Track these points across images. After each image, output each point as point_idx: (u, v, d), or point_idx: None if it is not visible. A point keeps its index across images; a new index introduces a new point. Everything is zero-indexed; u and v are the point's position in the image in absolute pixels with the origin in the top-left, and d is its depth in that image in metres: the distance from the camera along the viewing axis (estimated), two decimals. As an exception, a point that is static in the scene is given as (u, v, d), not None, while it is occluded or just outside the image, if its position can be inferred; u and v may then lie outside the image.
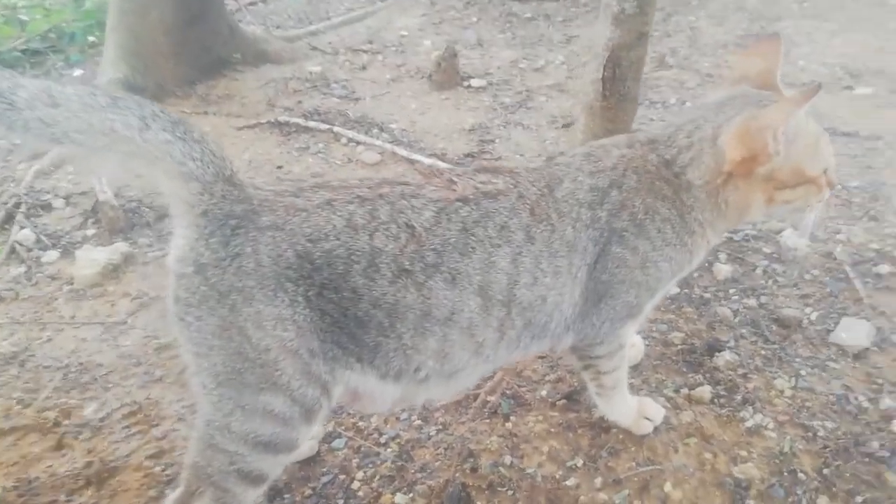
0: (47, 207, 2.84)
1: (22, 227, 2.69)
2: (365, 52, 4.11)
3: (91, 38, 4.71)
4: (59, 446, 1.81)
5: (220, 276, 1.18)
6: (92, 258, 2.43)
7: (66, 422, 1.87)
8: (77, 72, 4.29)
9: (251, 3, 5.33)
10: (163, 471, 1.70)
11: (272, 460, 1.32)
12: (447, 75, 3.50)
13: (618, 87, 1.78)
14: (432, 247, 1.26)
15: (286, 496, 1.61)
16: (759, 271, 2.16)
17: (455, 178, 1.35)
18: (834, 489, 1.51)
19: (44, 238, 2.64)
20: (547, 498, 1.56)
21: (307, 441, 1.66)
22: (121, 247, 2.51)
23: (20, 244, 2.61)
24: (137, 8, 3.53)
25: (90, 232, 2.67)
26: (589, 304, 1.42)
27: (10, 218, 2.78)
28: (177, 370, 2.01)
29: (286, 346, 1.21)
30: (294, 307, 1.20)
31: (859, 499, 1.49)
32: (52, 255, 2.56)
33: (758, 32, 3.84)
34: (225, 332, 1.20)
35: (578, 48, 3.87)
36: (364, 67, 3.92)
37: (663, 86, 3.34)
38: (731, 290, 2.10)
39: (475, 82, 3.55)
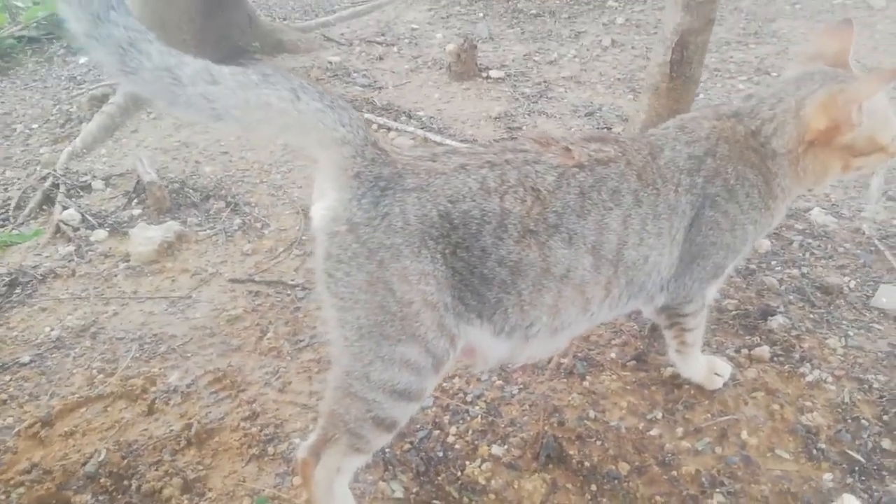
0: (87, 188, 2.85)
1: (65, 208, 2.71)
2: (379, 43, 4.18)
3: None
4: (150, 411, 1.85)
5: (370, 233, 1.26)
6: (147, 236, 2.47)
7: (153, 388, 1.92)
8: (82, 59, 4.27)
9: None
10: (260, 431, 1.77)
11: (405, 407, 1.40)
12: (466, 66, 3.61)
13: (684, 70, 1.91)
14: (554, 209, 1.37)
15: (387, 451, 1.69)
16: (795, 245, 2.32)
17: (570, 146, 1.45)
18: (895, 433, 1.67)
19: (89, 217, 2.65)
20: (634, 446, 1.68)
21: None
22: (173, 225, 2.55)
23: (65, 223, 2.63)
24: (163, -7, 3.55)
25: (136, 212, 2.70)
26: (683, 264, 1.55)
27: (48, 199, 2.80)
28: (253, 340, 2.08)
29: (427, 300, 1.30)
30: (434, 263, 1.29)
31: (917, 440, 1.65)
32: (101, 233, 2.59)
33: (755, 31, 4.04)
34: (372, 287, 1.28)
35: (588, 43, 4.01)
36: (381, 58, 4.00)
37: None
38: (773, 262, 2.25)
39: (494, 73, 3.67)
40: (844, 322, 2.00)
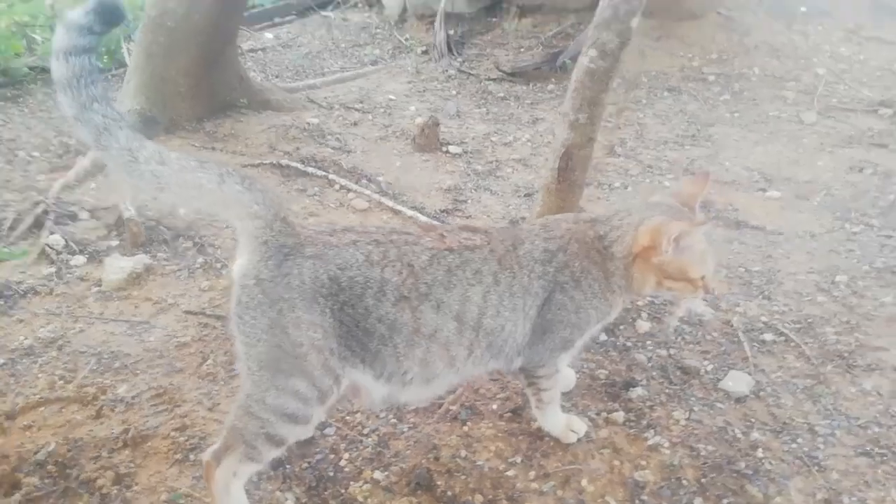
0: (73, 217, 3.24)
1: (52, 233, 3.08)
2: (357, 110, 4.64)
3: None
4: (97, 416, 2.19)
5: (273, 288, 1.63)
6: (119, 265, 2.84)
7: (103, 396, 2.26)
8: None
9: (251, 51, 5.84)
10: (186, 441, 2.10)
11: (292, 429, 1.76)
12: (429, 140, 4.04)
13: (569, 176, 2.32)
14: (424, 281, 1.75)
15: (287, 466, 2.04)
16: (670, 329, 2.71)
17: (445, 234, 1.85)
18: (707, 493, 2.02)
19: (72, 244, 3.03)
20: (491, 483, 2.02)
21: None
22: (143, 259, 2.92)
23: (50, 247, 3.00)
24: (164, 52, 4.00)
25: (114, 243, 3.08)
26: (535, 335, 1.92)
27: (38, 224, 3.17)
28: (195, 364, 2.43)
29: (314, 345, 1.67)
30: (323, 316, 1.67)
31: (725, 501, 2.00)
32: (80, 259, 2.96)
33: (693, 134, 4.52)
34: (271, 330, 1.65)
35: (542, 129, 4.47)
36: (355, 124, 4.45)
37: (611, 171, 3.94)
38: (648, 342, 2.63)
39: (453, 149, 4.10)
40: (693, 398, 2.37)
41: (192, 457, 2.06)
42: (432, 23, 5.86)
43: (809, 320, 2.78)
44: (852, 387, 2.44)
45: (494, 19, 6.11)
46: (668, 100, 5.02)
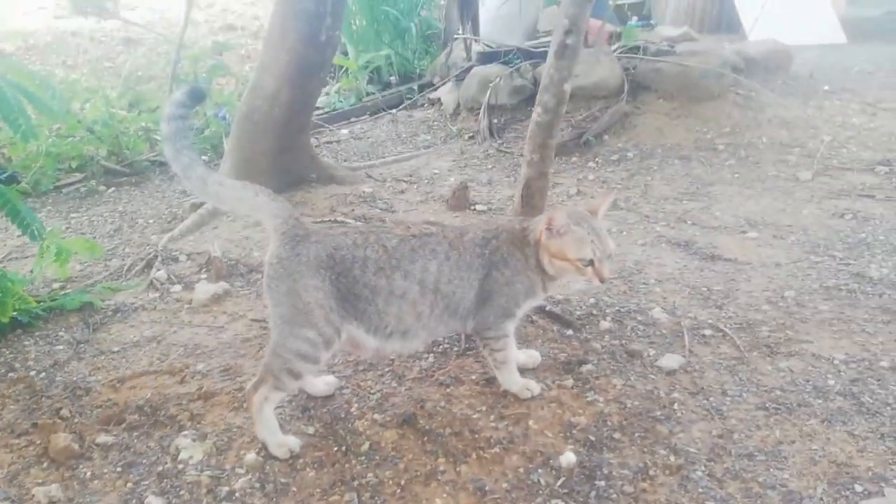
0: (175, 260, 4.22)
1: (158, 270, 4.06)
2: (405, 181, 5.57)
3: (204, 158, 6.32)
4: (181, 381, 3.01)
5: (288, 264, 2.43)
6: (205, 289, 3.75)
7: (186, 370, 3.10)
8: (194, 180, 5.86)
9: (328, 142, 6.98)
10: (242, 397, 2.88)
11: (306, 366, 2.50)
12: (459, 201, 4.87)
13: (529, 202, 3.06)
14: (395, 257, 2.50)
15: (311, 410, 2.77)
16: (629, 328, 3.31)
17: (410, 226, 2.62)
18: (625, 430, 2.59)
19: (173, 277, 3.99)
20: (460, 423, 2.68)
21: (326, 385, 2.85)
22: (224, 285, 3.83)
23: (157, 280, 3.96)
24: (250, 139, 5.11)
25: (203, 276, 4.01)
26: (480, 302, 2.63)
27: (148, 265, 4.17)
28: (254, 352, 3.24)
29: (318, 303, 2.44)
30: (323, 282, 2.44)
31: (637, 435, 2.57)
32: (178, 287, 3.90)
33: (693, 192, 5.14)
34: (288, 293, 2.44)
35: (559, 191, 5.23)
36: (402, 192, 5.36)
37: (610, 220, 4.62)
38: (606, 336, 3.25)
39: (479, 207, 4.91)
40: (632, 373, 2.96)
41: (244, 406, 2.83)
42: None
43: (749, 322, 3.33)
44: (769, 366, 2.97)
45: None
46: (677, 166, 5.68)
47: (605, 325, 3.34)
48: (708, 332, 3.25)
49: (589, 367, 3.00)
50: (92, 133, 5.99)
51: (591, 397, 2.81)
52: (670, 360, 2.99)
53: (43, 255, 3.40)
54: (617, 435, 2.60)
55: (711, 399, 2.77)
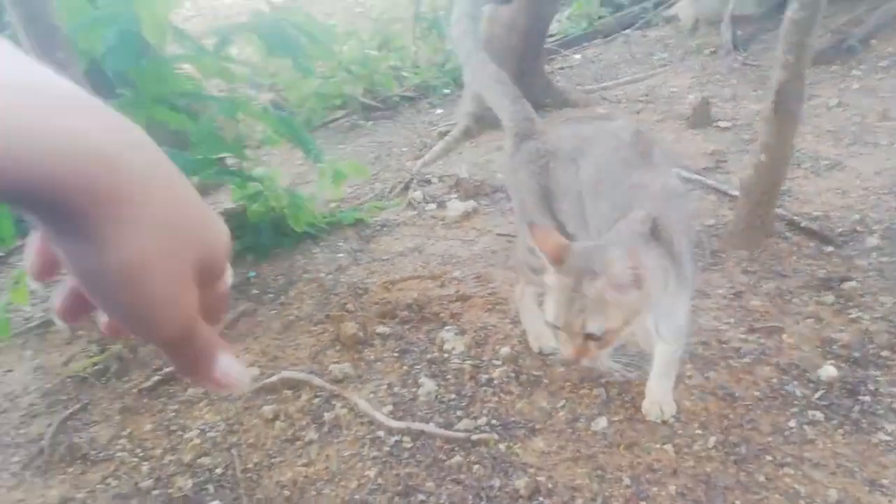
0: (428, 182, 4.61)
1: (414, 191, 4.47)
2: (641, 101, 5.45)
3: (446, 91, 6.69)
4: (441, 286, 3.37)
5: (512, 161, 2.53)
6: (456, 207, 4.08)
7: (444, 276, 3.44)
8: (438, 111, 6.26)
9: (561, 68, 7.00)
10: (494, 301, 3.15)
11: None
12: (700, 117, 4.69)
13: (783, 107, 2.88)
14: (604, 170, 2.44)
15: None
16: None
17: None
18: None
19: (427, 197, 4.38)
20: (710, 334, 2.71)
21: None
22: (472, 203, 4.13)
23: (413, 200, 4.38)
24: (490, 66, 5.32)
25: (453, 195, 4.35)
26: None
27: (406, 187, 4.60)
28: (502, 261, 3.50)
29: (533, 197, 2.52)
30: (532, 178, 2.50)
31: None
32: (432, 206, 4.28)
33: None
34: (515, 188, 2.59)
35: (817, 103, 4.80)
36: (639, 112, 5.27)
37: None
38: (874, 254, 3.02)
39: (722, 124, 4.69)
40: None
41: (496, 308, 3.10)
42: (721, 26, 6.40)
43: None
44: None
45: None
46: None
47: (873, 241, 3.10)
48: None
49: (852, 283, 2.83)
50: (349, 73, 6.60)
51: (855, 314, 2.67)
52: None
53: (322, 177, 3.92)
54: (885, 353, 2.46)
55: None
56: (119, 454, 2.51)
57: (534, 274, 2.59)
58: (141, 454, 2.51)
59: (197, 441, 2.53)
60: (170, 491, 2.32)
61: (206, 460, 2.43)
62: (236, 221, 3.85)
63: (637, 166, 2.10)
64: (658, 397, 2.34)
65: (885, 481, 1.99)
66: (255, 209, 3.87)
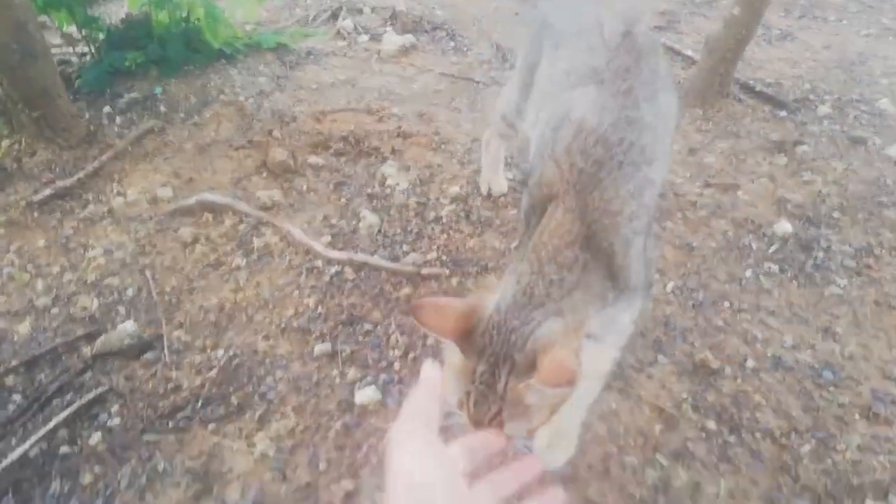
0: (360, 11, 4.17)
1: (344, 20, 4.02)
2: None
3: None
4: (379, 120, 3.06)
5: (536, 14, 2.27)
6: (393, 40, 3.70)
7: (383, 111, 3.13)
8: None
9: None
10: (438, 140, 2.89)
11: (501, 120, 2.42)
12: None
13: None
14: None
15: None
16: (850, 117, 3.02)
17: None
18: (846, 211, 2.44)
19: (359, 27, 3.95)
20: (665, 186, 2.60)
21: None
22: (410, 38, 3.76)
23: (343, 29, 3.94)
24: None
25: (388, 28, 3.95)
26: None
27: (334, 16, 4.13)
28: (444, 101, 3.22)
29: (523, 66, 2.26)
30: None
31: (860, 216, 2.41)
32: (364, 37, 3.87)
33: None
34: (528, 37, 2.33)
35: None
36: None
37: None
38: (825, 121, 2.99)
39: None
40: (855, 158, 2.73)
41: (441, 148, 2.86)
42: None
43: None
44: None
45: None
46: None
47: (824, 110, 3.06)
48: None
49: (805, 148, 2.79)
50: None
51: (808, 177, 2.63)
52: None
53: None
54: (837, 214, 2.44)
55: (949, 189, 2.53)
56: (6, 269, 2.15)
57: (508, 129, 2.34)
58: (33, 271, 2.16)
59: (101, 261, 2.20)
60: (72, 311, 2.01)
61: (113, 280, 2.12)
62: (139, 30, 3.32)
63: (611, 92, 1.39)
64: None
65: (838, 329, 1.99)
66: (162, 19, 3.34)
